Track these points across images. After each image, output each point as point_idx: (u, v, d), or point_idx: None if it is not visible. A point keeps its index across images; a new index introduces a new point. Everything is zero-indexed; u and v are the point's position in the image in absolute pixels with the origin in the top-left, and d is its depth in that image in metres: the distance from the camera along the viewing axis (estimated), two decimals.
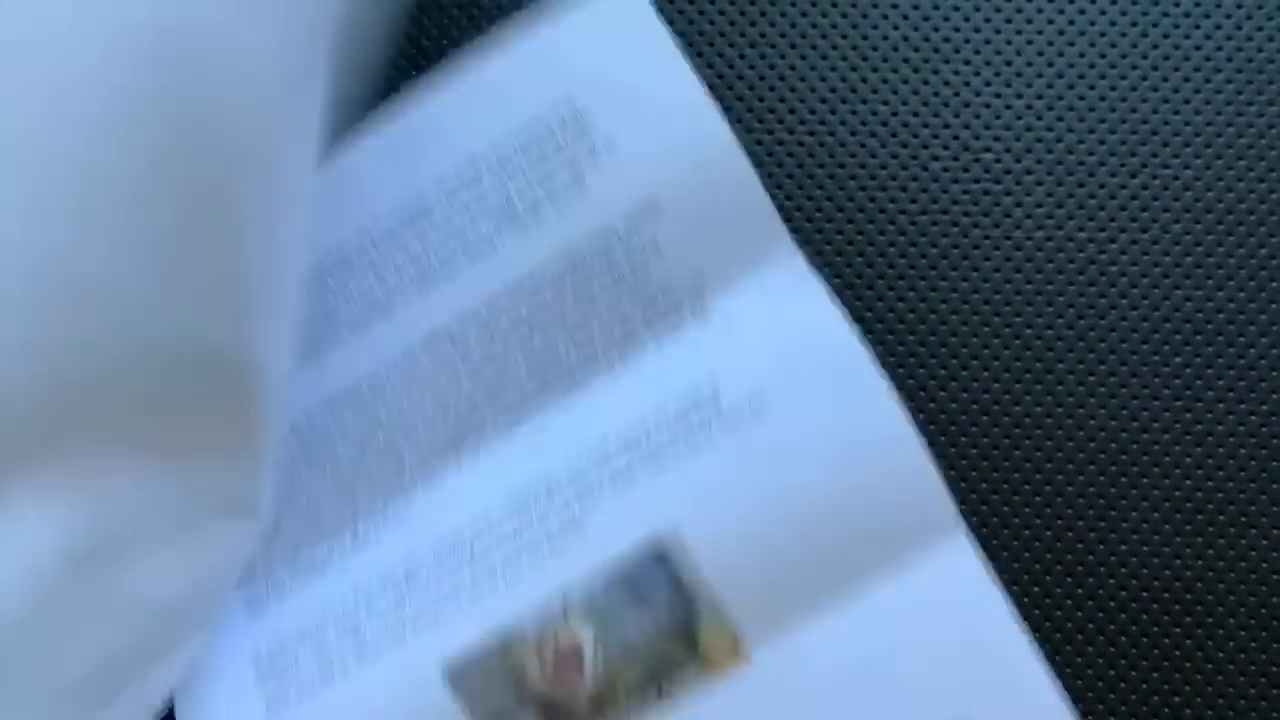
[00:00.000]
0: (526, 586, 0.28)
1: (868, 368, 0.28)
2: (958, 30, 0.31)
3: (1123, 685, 0.30)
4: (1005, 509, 0.30)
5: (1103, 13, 0.31)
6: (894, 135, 0.31)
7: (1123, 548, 0.30)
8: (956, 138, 0.31)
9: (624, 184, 0.29)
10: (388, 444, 0.29)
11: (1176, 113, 0.31)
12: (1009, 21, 0.31)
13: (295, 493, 0.29)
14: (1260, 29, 0.31)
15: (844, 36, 0.31)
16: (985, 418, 0.30)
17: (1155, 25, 0.31)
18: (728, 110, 0.31)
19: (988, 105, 0.31)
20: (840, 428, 0.27)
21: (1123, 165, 0.31)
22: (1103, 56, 0.31)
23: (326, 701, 0.28)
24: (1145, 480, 0.30)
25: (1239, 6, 0.31)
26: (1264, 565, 0.30)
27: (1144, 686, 0.30)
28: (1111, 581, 0.30)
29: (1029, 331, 0.30)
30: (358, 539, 0.29)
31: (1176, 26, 0.31)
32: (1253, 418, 0.30)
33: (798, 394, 0.28)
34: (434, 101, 0.30)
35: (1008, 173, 0.31)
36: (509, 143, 0.30)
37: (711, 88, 0.31)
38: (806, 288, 0.29)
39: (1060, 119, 0.31)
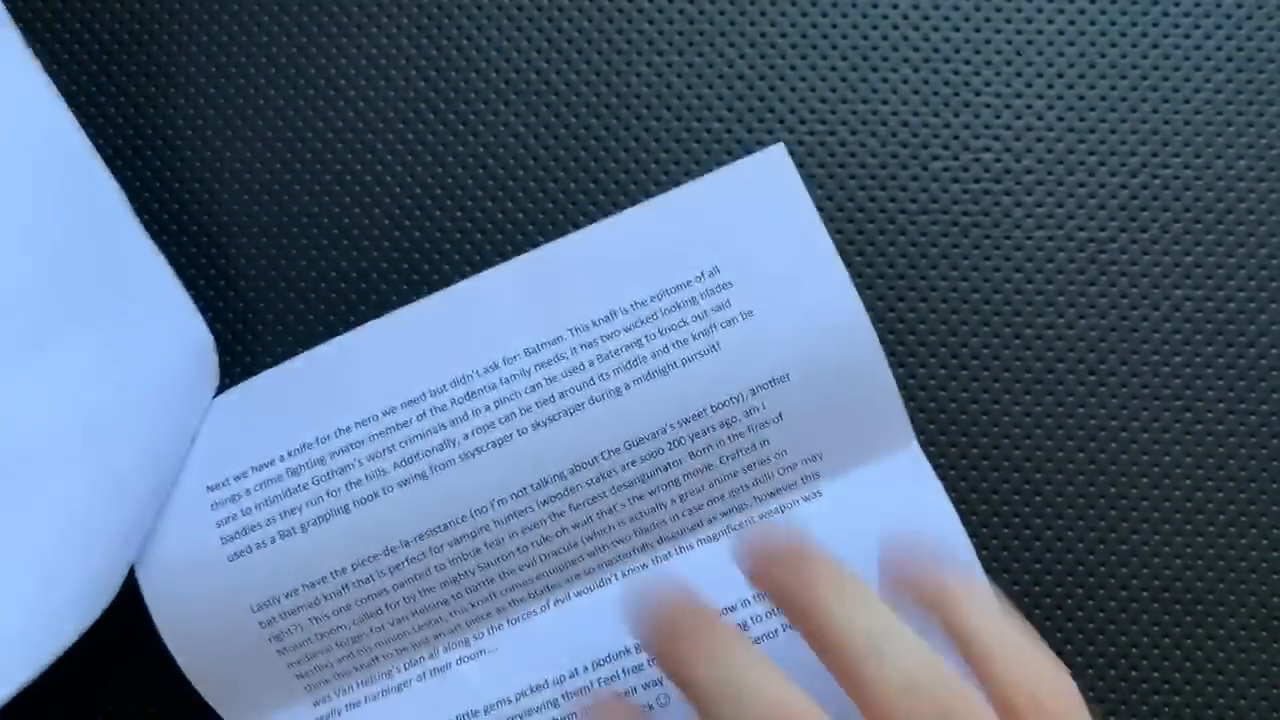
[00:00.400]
0: None
1: (978, 569, 0.29)
2: (958, 30, 0.31)
3: (1123, 685, 0.30)
4: (1005, 508, 0.30)
5: (1103, 13, 0.31)
6: (894, 135, 0.31)
7: (1123, 547, 0.30)
8: (956, 137, 0.31)
9: (756, 355, 0.29)
10: (481, 576, 0.29)
11: (1176, 112, 0.31)
12: (1009, 21, 0.31)
13: (380, 610, 0.29)
14: (1260, 29, 0.31)
15: (844, 36, 0.31)
16: (985, 417, 0.30)
17: (1155, 25, 0.31)
18: (728, 110, 0.31)
19: (988, 105, 0.31)
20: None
21: (1123, 165, 0.31)
22: (1103, 56, 0.31)
23: None
24: (1145, 480, 0.30)
25: (1239, 6, 0.31)
26: (1264, 565, 0.30)
27: (1144, 686, 0.30)
28: (1112, 581, 0.30)
29: (1029, 331, 0.30)
30: (438, 664, 0.30)
31: (1176, 26, 0.31)
32: (1253, 418, 0.30)
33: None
34: (580, 244, 0.30)
35: (1008, 172, 0.31)
36: (649, 298, 0.30)
37: (711, 87, 0.31)
38: (922, 483, 0.29)
39: (1060, 119, 0.31)
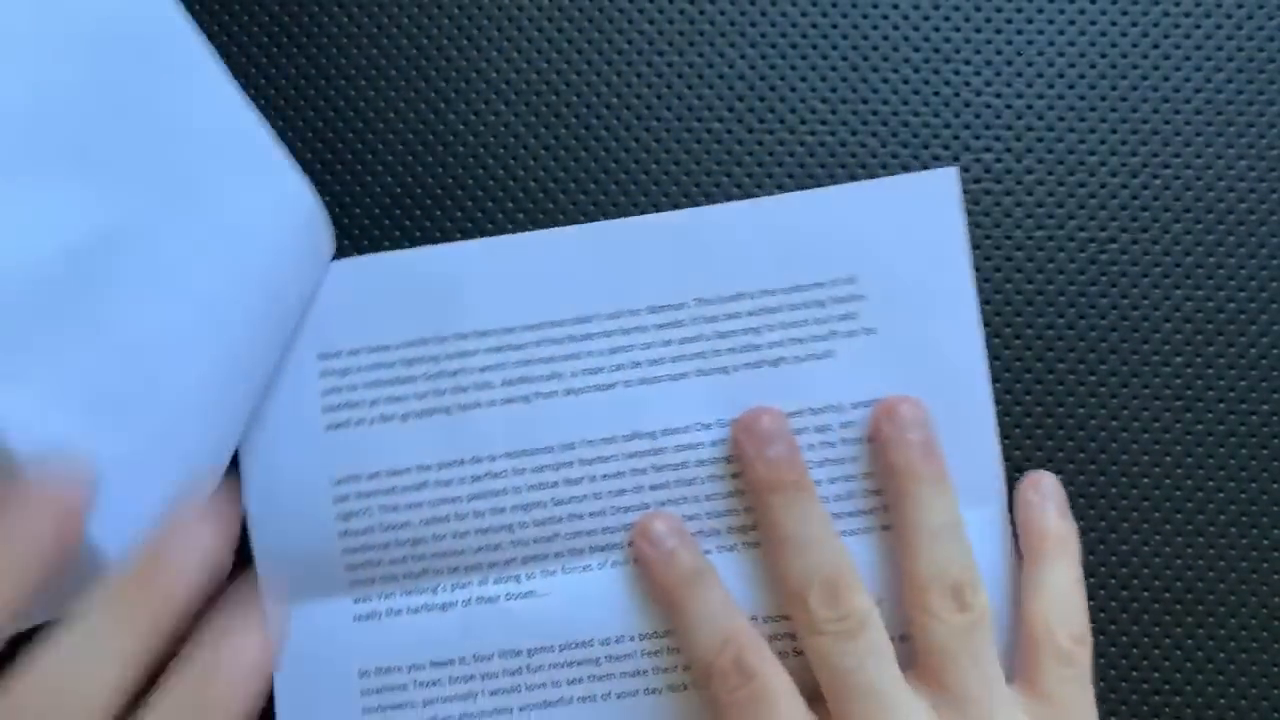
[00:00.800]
0: None
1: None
2: (958, 30, 0.31)
3: (1123, 685, 0.30)
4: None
5: (1103, 13, 0.31)
6: (894, 135, 0.31)
7: (1123, 547, 0.30)
8: (957, 138, 0.31)
9: (867, 374, 0.29)
10: (552, 512, 0.30)
11: (1177, 112, 0.31)
12: (1009, 21, 0.31)
13: (448, 519, 0.30)
14: (1260, 29, 0.31)
15: (844, 36, 0.31)
16: None
17: (1155, 25, 0.31)
18: (729, 110, 0.31)
19: (988, 105, 0.31)
20: None
21: (1123, 165, 0.31)
22: (1103, 56, 0.31)
23: None
24: (1145, 480, 0.30)
25: (1239, 6, 0.31)
26: (1264, 565, 0.30)
27: (1144, 686, 0.30)
28: (1112, 581, 0.30)
29: (1029, 331, 0.30)
30: (486, 594, 0.30)
31: (1176, 26, 0.31)
32: (1253, 418, 0.30)
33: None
34: (726, 217, 0.30)
35: (1008, 172, 0.31)
36: (779, 290, 0.30)
37: (712, 88, 0.31)
38: (992, 546, 0.29)
39: (1061, 119, 0.31)
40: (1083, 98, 0.31)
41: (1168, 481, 0.30)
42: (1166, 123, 0.31)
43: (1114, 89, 0.31)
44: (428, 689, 0.30)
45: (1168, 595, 0.30)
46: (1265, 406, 0.30)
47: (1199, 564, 0.30)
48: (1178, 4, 0.31)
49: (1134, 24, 0.31)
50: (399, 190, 0.31)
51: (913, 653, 0.28)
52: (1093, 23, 0.31)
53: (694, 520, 0.30)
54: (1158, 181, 0.31)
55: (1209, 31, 0.31)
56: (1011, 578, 0.29)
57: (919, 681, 0.27)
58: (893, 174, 0.31)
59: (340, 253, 0.31)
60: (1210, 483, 0.30)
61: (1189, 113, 0.31)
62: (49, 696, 0.19)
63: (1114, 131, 0.31)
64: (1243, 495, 0.30)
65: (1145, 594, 0.30)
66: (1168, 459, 0.30)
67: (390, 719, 0.30)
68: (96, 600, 0.20)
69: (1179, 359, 0.30)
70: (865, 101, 0.31)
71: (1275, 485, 0.30)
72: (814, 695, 0.27)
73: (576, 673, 0.29)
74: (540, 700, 0.29)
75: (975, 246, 0.31)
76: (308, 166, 0.31)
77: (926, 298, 0.30)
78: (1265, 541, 0.30)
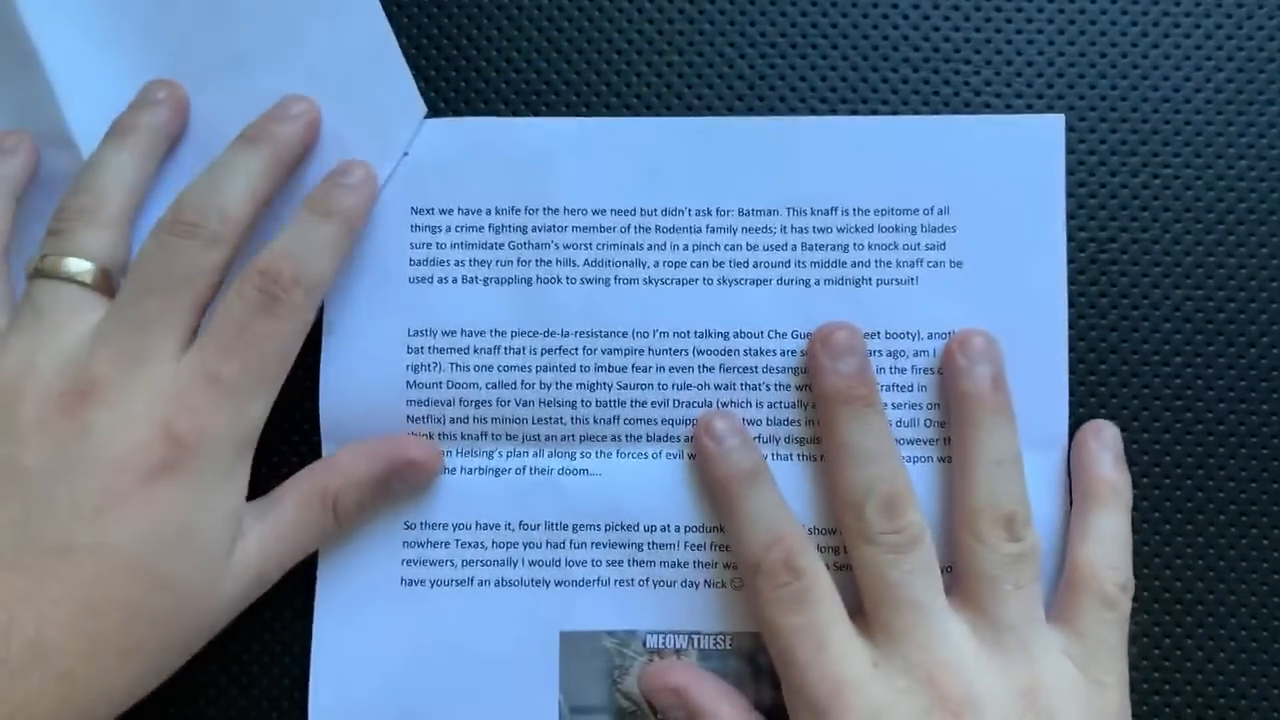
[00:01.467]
0: None
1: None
2: (958, 30, 0.31)
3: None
4: None
5: (1103, 12, 0.31)
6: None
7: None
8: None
9: (948, 306, 0.30)
10: (616, 395, 0.30)
11: (1177, 112, 0.31)
12: (1009, 21, 0.31)
13: (516, 385, 0.30)
14: (1261, 29, 0.31)
15: (844, 36, 0.31)
16: None
17: (1155, 25, 0.31)
18: (728, 110, 0.31)
19: (988, 105, 0.31)
20: None
21: (1123, 165, 0.31)
22: (1103, 56, 0.31)
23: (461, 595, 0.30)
24: (1146, 480, 0.30)
25: (1239, 6, 0.31)
26: (1264, 565, 0.30)
27: (1144, 686, 0.30)
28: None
29: None
30: (541, 466, 0.30)
31: (1177, 26, 0.31)
32: (1253, 418, 0.30)
33: None
34: (832, 129, 0.30)
35: None
36: (872, 210, 0.30)
37: (712, 87, 0.31)
38: (1048, 485, 0.30)
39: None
40: (1083, 97, 0.31)
41: (1168, 481, 0.30)
42: (1167, 123, 0.31)
43: (1114, 89, 0.31)
44: (469, 549, 0.30)
45: (1168, 595, 0.30)
46: (1265, 406, 0.30)
47: (1199, 564, 0.30)
48: (1178, 4, 0.31)
49: (1134, 24, 0.31)
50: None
51: (957, 577, 0.28)
52: (1093, 22, 0.31)
53: (754, 425, 0.30)
54: (1158, 181, 0.31)
55: (1209, 31, 0.31)
56: (1063, 525, 0.29)
57: (960, 605, 0.28)
58: None
59: (441, 114, 0.31)
60: (1210, 483, 0.30)
61: (1189, 113, 0.31)
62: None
63: (1114, 131, 0.31)
64: (1243, 495, 0.30)
65: (1145, 594, 0.30)
66: (1168, 459, 0.30)
67: (428, 573, 0.30)
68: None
69: (1179, 359, 0.30)
70: (865, 101, 0.31)
71: (1275, 485, 0.30)
72: (851, 610, 0.28)
73: (618, 554, 0.30)
74: (579, 578, 0.30)
75: None
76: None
77: (1018, 239, 0.30)
78: (1265, 541, 0.30)
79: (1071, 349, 0.30)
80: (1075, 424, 0.30)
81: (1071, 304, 0.30)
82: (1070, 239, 0.30)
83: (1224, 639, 0.30)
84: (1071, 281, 0.30)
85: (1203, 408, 0.30)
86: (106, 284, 0.28)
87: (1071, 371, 0.30)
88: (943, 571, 0.28)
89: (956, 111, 0.31)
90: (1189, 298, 0.30)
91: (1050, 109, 0.31)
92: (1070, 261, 0.30)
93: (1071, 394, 0.30)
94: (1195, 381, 0.30)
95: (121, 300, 0.27)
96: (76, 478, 0.26)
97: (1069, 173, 0.30)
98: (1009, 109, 0.31)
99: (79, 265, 0.27)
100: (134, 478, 0.26)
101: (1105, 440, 0.29)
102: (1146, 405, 0.30)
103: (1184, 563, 0.30)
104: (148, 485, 0.26)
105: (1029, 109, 0.31)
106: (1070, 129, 0.30)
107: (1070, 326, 0.30)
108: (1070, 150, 0.30)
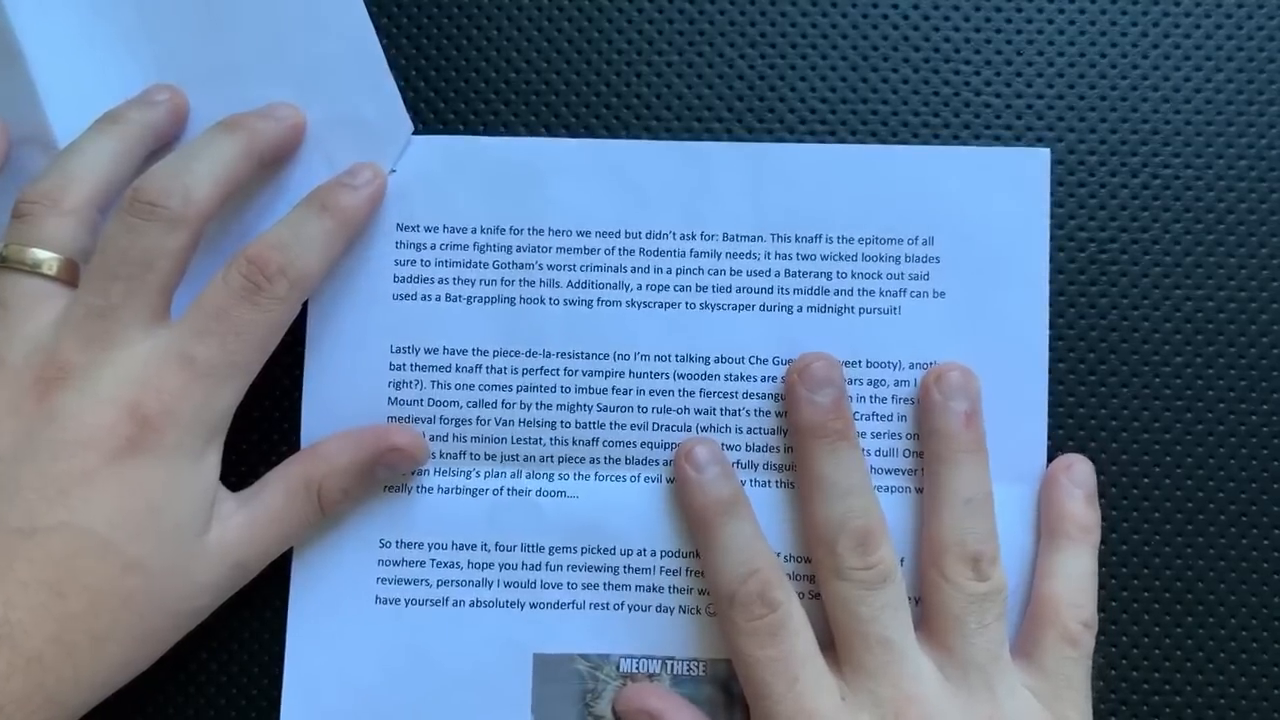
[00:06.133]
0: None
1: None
2: (958, 30, 0.31)
3: (1123, 685, 0.30)
4: None
5: (1103, 12, 0.31)
6: (895, 135, 0.31)
7: (1123, 547, 0.30)
8: (957, 137, 0.31)
9: (929, 337, 0.30)
10: (596, 417, 0.30)
11: (1177, 112, 0.31)
12: (1009, 21, 0.31)
13: (497, 404, 0.30)
14: (1260, 29, 0.31)
15: (844, 36, 0.31)
16: None
17: (1155, 25, 0.31)
18: (728, 110, 0.31)
19: (987, 105, 0.31)
20: None
21: (1123, 165, 0.31)
22: (1103, 56, 0.31)
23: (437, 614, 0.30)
24: (1146, 480, 0.30)
25: (1239, 6, 0.31)
26: (1264, 565, 0.30)
27: (1144, 686, 0.30)
28: (1112, 581, 0.30)
29: None
30: (519, 487, 0.30)
31: (1177, 26, 0.31)
32: (1253, 418, 0.30)
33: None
34: (819, 156, 0.30)
35: None
36: (857, 238, 0.30)
37: (711, 88, 0.31)
38: (1016, 521, 0.29)
39: (1061, 119, 0.31)
40: (1083, 97, 0.31)
41: (1168, 481, 0.30)
42: (1167, 123, 0.31)
43: (1114, 89, 0.31)
44: (445, 569, 0.30)
45: (1168, 595, 0.30)
46: (1265, 406, 0.30)
47: (1199, 564, 0.30)
48: (1178, 4, 0.31)
49: (1134, 24, 0.31)
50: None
51: (924, 613, 0.28)
52: (1092, 23, 0.31)
53: (733, 450, 0.30)
54: (1158, 181, 0.31)
55: (1209, 31, 0.31)
56: (1033, 559, 0.29)
57: (926, 641, 0.28)
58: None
59: (429, 133, 0.31)
60: (1210, 483, 0.30)
61: (1189, 112, 0.31)
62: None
63: (1114, 131, 0.31)
64: (1243, 495, 0.30)
65: (1145, 594, 0.30)
66: (1168, 459, 0.30)
67: (403, 592, 0.30)
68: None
69: (1179, 359, 0.30)
70: (864, 101, 0.31)
71: (1275, 485, 0.30)
72: (822, 642, 0.28)
73: (593, 578, 0.30)
74: (554, 600, 0.30)
75: None
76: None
77: (1001, 271, 0.30)
78: (1265, 541, 0.30)
79: (1052, 384, 0.30)
80: (1053, 458, 0.30)
81: (1053, 338, 0.30)
82: (1054, 272, 0.30)
83: (1224, 639, 0.30)
84: (1054, 315, 0.30)
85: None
86: (71, 274, 0.28)
87: (1051, 406, 0.30)
88: (915, 603, 0.28)
89: (944, 142, 0.31)
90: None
91: (1037, 142, 0.31)
92: (1055, 295, 0.30)
93: (1050, 428, 0.30)
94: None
95: (85, 286, 0.27)
96: (43, 460, 0.25)
97: (1054, 206, 0.30)
98: (997, 141, 0.31)
99: (42, 255, 0.27)
100: (100, 457, 0.26)
101: (1076, 477, 0.29)
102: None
103: (1184, 562, 0.30)
104: (114, 464, 0.26)
105: (1016, 141, 0.31)
106: (1057, 162, 0.30)
107: (1052, 361, 0.30)
108: (1057, 183, 0.30)
